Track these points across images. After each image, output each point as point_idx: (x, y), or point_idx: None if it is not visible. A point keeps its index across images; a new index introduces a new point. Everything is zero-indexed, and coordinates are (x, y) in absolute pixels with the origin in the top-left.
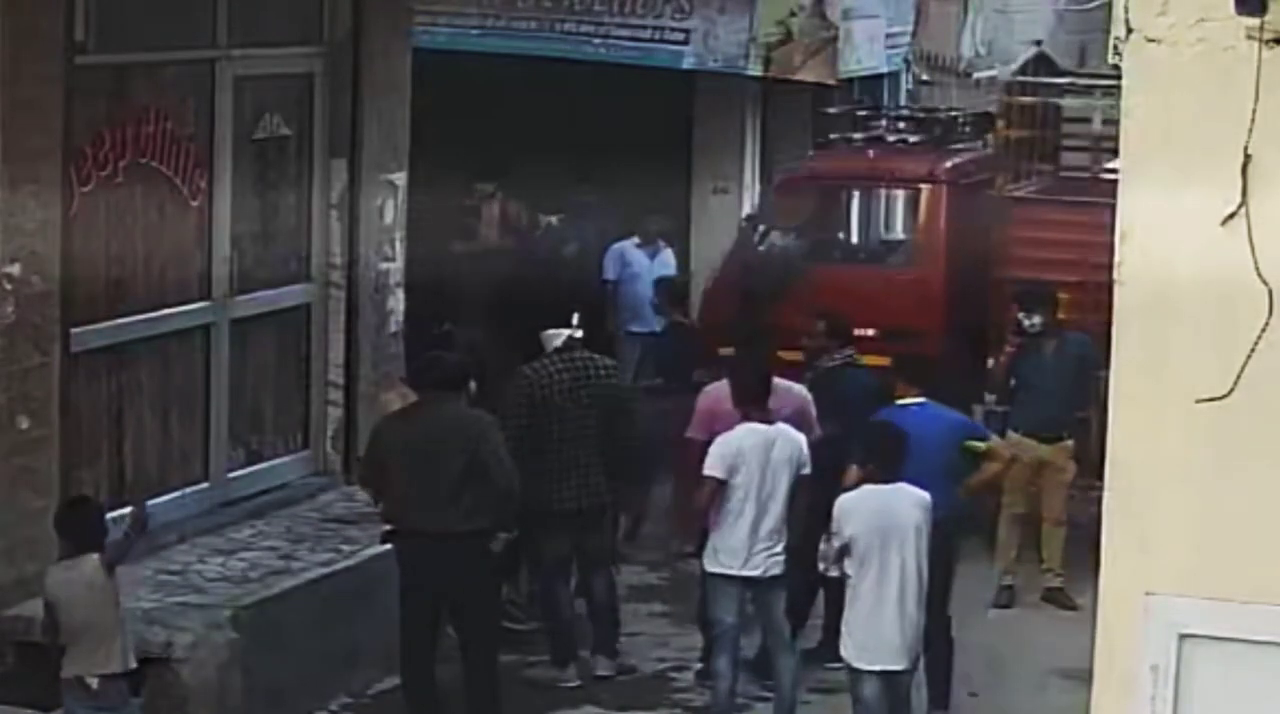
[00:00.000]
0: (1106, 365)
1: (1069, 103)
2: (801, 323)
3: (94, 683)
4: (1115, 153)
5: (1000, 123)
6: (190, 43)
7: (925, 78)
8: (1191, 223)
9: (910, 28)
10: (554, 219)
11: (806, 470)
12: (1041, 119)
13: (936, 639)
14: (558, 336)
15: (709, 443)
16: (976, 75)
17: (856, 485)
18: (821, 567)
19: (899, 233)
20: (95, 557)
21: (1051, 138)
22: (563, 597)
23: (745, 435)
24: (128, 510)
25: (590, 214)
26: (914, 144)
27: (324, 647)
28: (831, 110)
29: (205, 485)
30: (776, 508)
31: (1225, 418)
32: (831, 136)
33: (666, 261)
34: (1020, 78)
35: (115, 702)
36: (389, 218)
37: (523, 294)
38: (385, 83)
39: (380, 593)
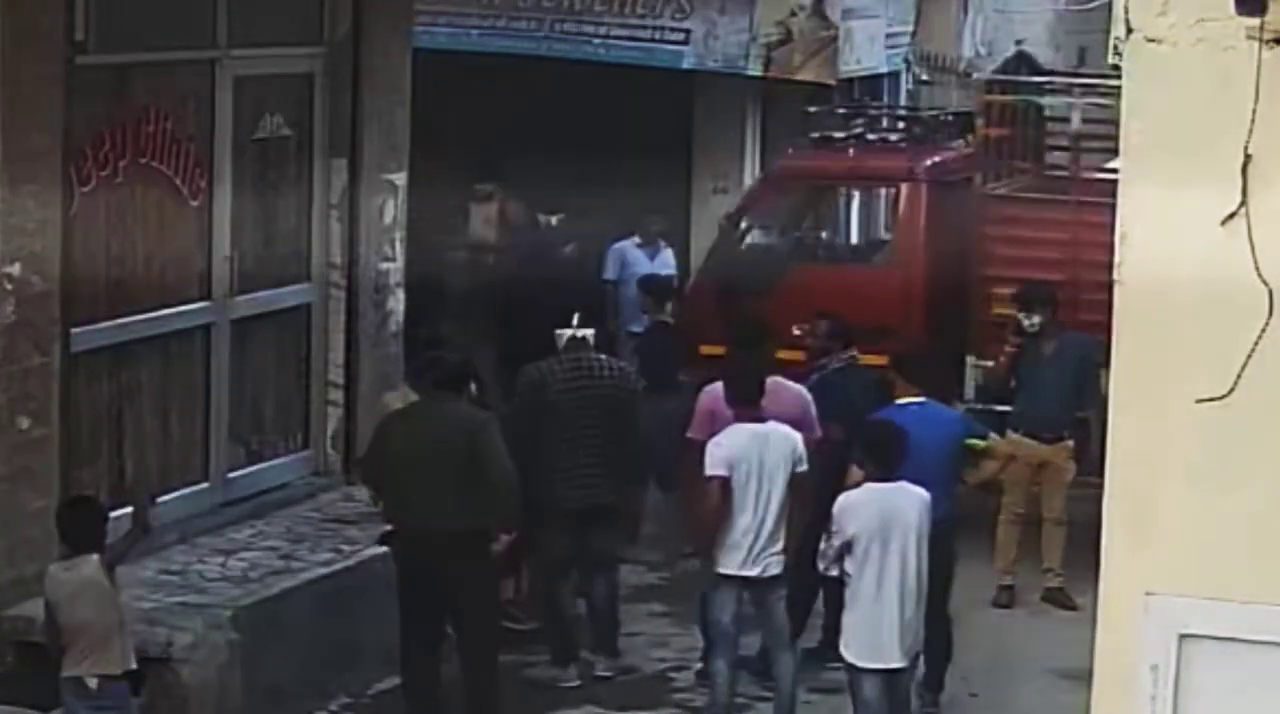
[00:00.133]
0: (1106, 365)
1: (1048, 101)
2: (782, 321)
3: (93, 683)
4: (1095, 152)
5: (980, 121)
6: (190, 43)
7: (925, 78)
8: (1191, 223)
9: (910, 28)
10: (554, 219)
11: (803, 468)
12: (1023, 118)
13: (935, 637)
14: (566, 337)
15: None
16: (976, 75)
17: (859, 485)
18: (822, 566)
19: (879, 231)
20: (95, 557)
21: (1033, 136)
22: (564, 597)
23: (739, 435)
24: (131, 509)
25: (590, 214)
26: (894, 142)
27: (324, 647)
28: (813, 109)
29: (205, 485)
30: (774, 507)
31: (1225, 418)
32: (812, 135)
33: (667, 261)
34: (999, 77)
35: (115, 702)
36: (389, 218)
37: (522, 294)
38: (385, 83)
39: (380, 593)
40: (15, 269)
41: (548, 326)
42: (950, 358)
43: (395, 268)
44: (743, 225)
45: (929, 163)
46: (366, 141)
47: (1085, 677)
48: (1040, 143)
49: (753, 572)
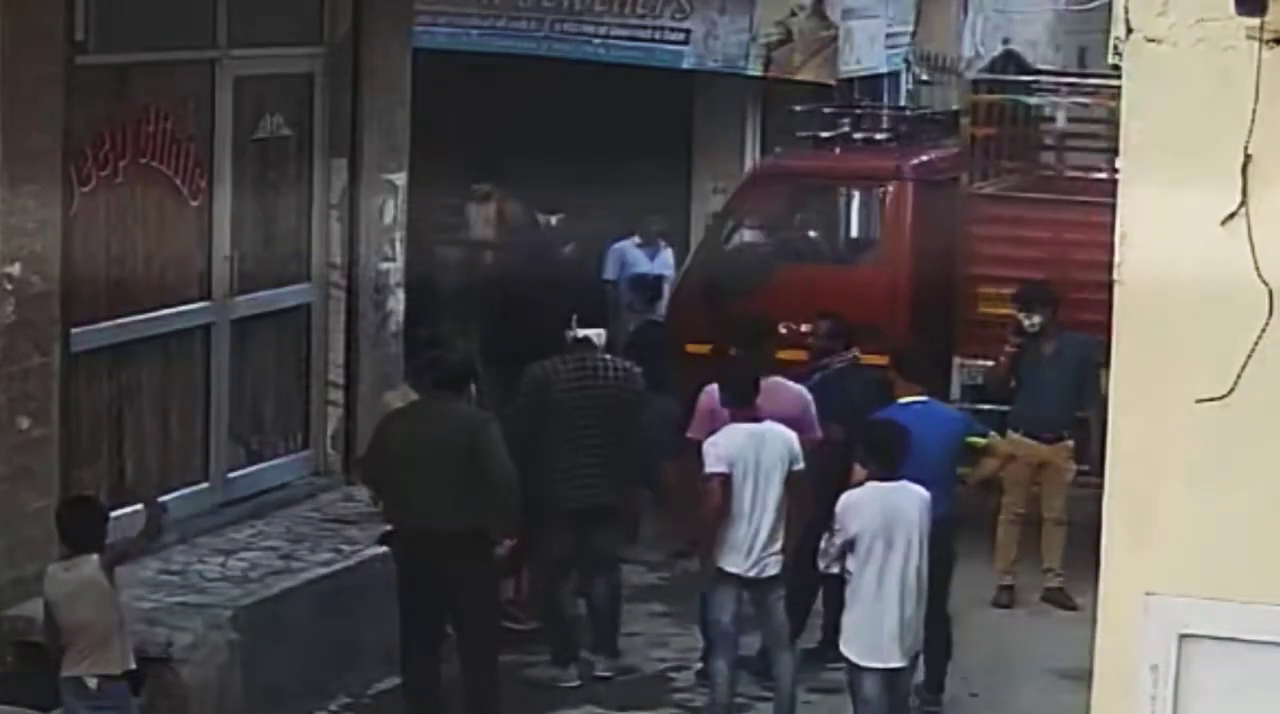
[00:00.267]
0: (1106, 365)
1: (1035, 101)
2: (768, 320)
3: (93, 683)
4: (1080, 150)
5: (965, 120)
6: (190, 43)
7: (925, 78)
8: (1191, 223)
9: (910, 28)
10: (553, 219)
11: (799, 467)
12: (1010, 117)
13: (935, 635)
14: (580, 336)
15: None
16: (964, 75)
17: (862, 485)
18: (823, 564)
19: (865, 230)
20: (95, 558)
21: (1022, 136)
22: (564, 597)
23: (736, 435)
24: (137, 509)
25: (590, 214)
26: (881, 142)
27: (324, 647)
28: (799, 108)
29: (205, 485)
30: (771, 506)
31: (1225, 418)
32: (799, 134)
33: (667, 261)
34: (986, 75)
35: (115, 702)
36: (389, 218)
37: (520, 293)
38: (385, 83)
39: (380, 593)
40: (15, 269)
41: (546, 326)
42: (937, 357)
43: (395, 268)
44: (729, 225)
45: (915, 162)
46: (366, 141)
47: (1085, 677)
48: (1027, 142)
49: (751, 571)
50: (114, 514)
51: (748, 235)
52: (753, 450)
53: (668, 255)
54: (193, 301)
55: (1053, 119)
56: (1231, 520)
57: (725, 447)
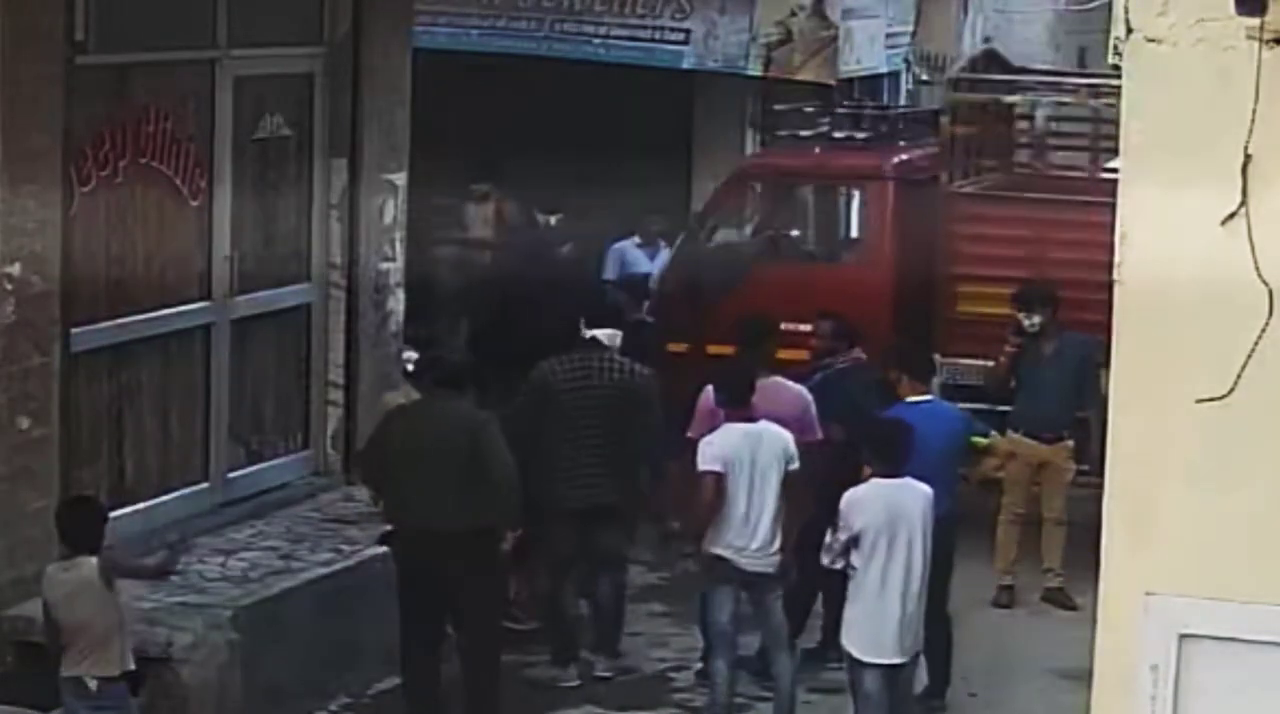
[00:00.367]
0: (1106, 365)
1: (1014, 99)
2: (768, 320)
3: (93, 684)
4: (1061, 149)
5: (946, 119)
6: (190, 43)
7: (925, 78)
8: (1191, 223)
9: (910, 28)
10: (553, 219)
11: (795, 467)
12: (991, 116)
13: (936, 634)
14: (589, 337)
15: None
16: (945, 74)
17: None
18: (827, 560)
19: (846, 229)
20: (94, 560)
21: (1002, 134)
22: (567, 596)
23: (731, 434)
24: (137, 508)
25: (590, 214)
26: (861, 140)
27: (324, 647)
28: (780, 107)
29: (205, 485)
30: (767, 506)
31: (1225, 418)
32: (779, 133)
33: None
34: (967, 74)
35: (114, 702)
36: (389, 218)
37: (518, 293)
38: (385, 83)
39: (380, 593)
40: (15, 269)
41: (545, 326)
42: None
43: (395, 268)
44: (710, 224)
45: (896, 161)
46: (366, 141)
47: (1085, 677)
48: (1008, 141)
49: (748, 570)
50: (114, 514)
51: (729, 234)
52: (748, 450)
53: (667, 255)
54: (193, 301)
55: (1032, 118)
56: (1231, 520)
57: (720, 446)
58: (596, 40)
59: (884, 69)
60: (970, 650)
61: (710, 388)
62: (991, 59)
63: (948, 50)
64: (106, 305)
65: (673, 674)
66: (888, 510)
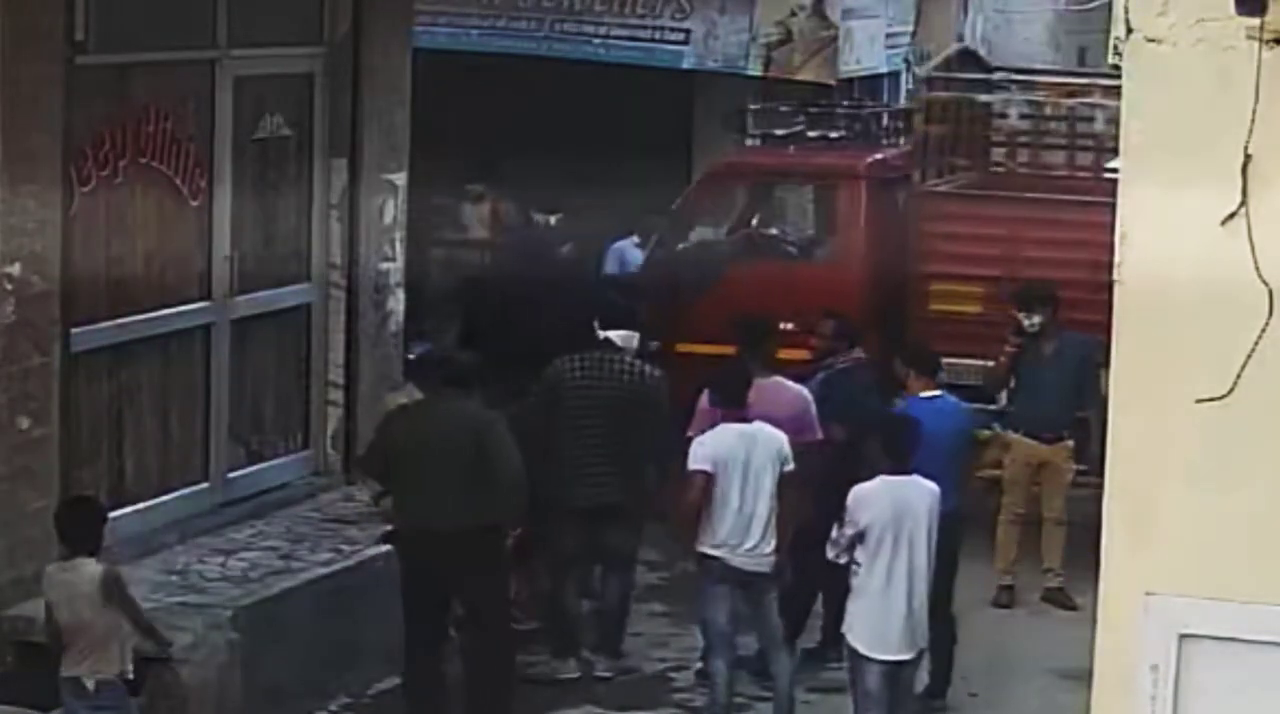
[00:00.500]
0: (1106, 365)
1: (987, 98)
2: (723, 317)
3: (91, 684)
4: (1034, 148)
5: (918, 118)
6: (190, 43)
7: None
8: (1191, 223)
9: (910, 28)
10: (553, 218)
11: (790, 468)
12: (967, 115)
13: (940, 633)
14: (603, 337)
15: None
16: (919, 72)
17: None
18: (832, 554)
19: (820, 228)
20: (93, 562)
21: (978, 133)
22: (569, 595)
23: (726, 435)
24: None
25: (590, 214)
26: (836, 139)
27: (324, 647)
28: (755, 106)
29: (205, 485)
30: (762, 506)
31: (1225, 418)
32: (755, 132)
33: None
34: (940, 73)
35: (113, 702)
36: (389, 218)
37: (514, 293)
38: (385, 83)
39: (380, 593)
40: (15, 269)
41: (544, 325)
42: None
43: (395, 268)
44: (685, 223)
45: (869, 160)
46: (366, 141)
47: (1085, 677)
48: (983, 140)
49: (743, 570)
50: (114, 514)
51: (703, 233)
52: (743, 450)
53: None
54: (193, 301)
55: (1005, 116)
56: (1231, 520)
57: (712, 446)
58: (596, 40)
59: (884, 69)
60: (970, 650)
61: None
62: (967, 57)
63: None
64: (106, 305)
65: (673, 674)
66: (894, 507)
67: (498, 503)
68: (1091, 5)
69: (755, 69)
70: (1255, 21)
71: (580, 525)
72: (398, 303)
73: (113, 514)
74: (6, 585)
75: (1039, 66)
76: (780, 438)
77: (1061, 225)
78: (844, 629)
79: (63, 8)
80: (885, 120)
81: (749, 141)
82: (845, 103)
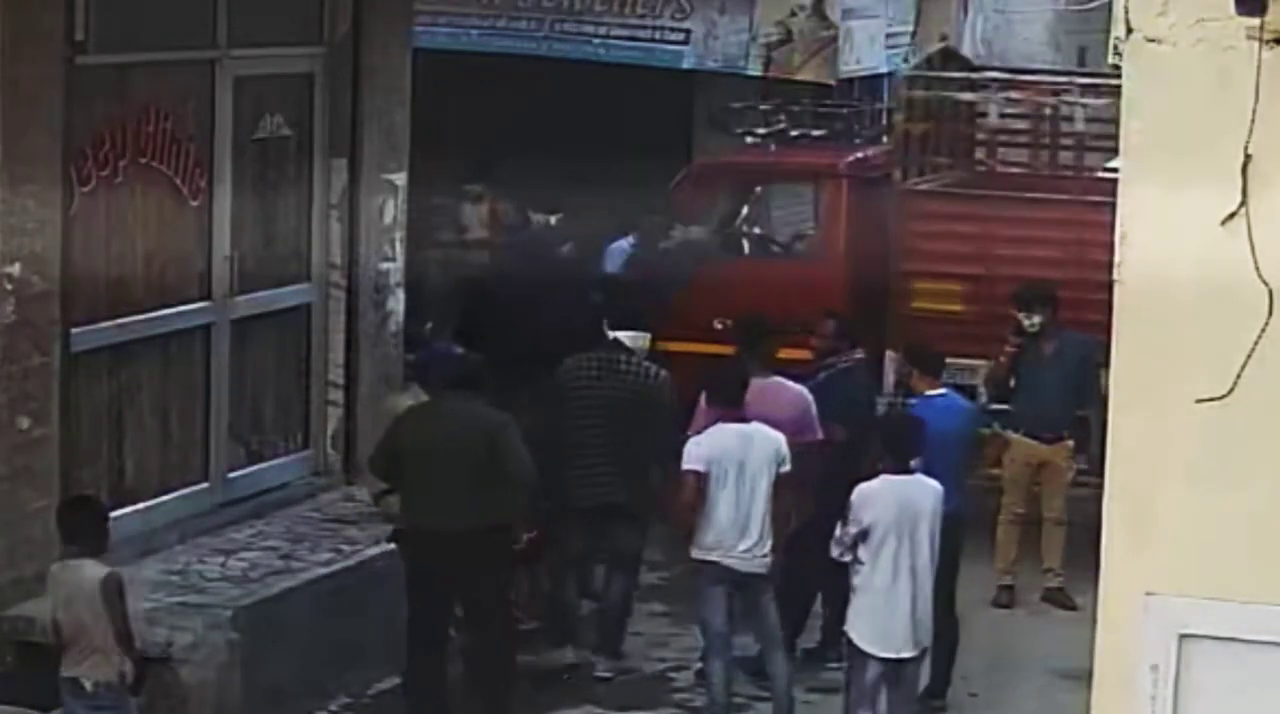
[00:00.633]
0: (1106, 365)
1: (968, 97)
2: (705, 316)
3: (89, 685)
4: (1015, 147)
5: (899, 117)
6: (190, 43)
7: None
8: (1191, 223)
9: (910, 28)
10: (552, 218)
11: (786, 469)
12: (949, 114)
13: (942, 633)
14: (613, 337)
15: None
16: (899, 72)
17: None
18: (836, 553)
19: (801, 227)
20: (96, 564)
21: (960, 132)
22: (569, 594)
23: (723, 435)
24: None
25: (590, 213)
26: (817, 138)
27: (324, 647)
28: (736, 105)
29: (205, 485)
30: (758, 507)
31: (1225, 418)
32: (735, 131)
33: None
34: (921, 72)
35: (113, 702)
36: (389, 218)
37: (513, 292)
38: (385, 83)
39: (380, 592)
40: (15, 269)
41: (540, 325)
42: (872, 352)
43: (395, 268)
44: (667, 221)
45: (850, 159)
46: (366, 141)
47: (1085, 677)
48: (965, 138)
49: (739, 570)
50: (114, 514)
51: (685, 232)
52: (739, 451)
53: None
54: (193, 301)
55: (986, 115)
56: (1231, 520)
57: (707, 446)
58: (596, 40)
59: (884, 69)
60: (970, 650)
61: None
62: (949, 57)
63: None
64: (106, 305)
65: (673, 674)
66: (897, 506)
67: (508, 504)
68: (1091, 5)
69: (755, 69)
70: (1255, 21)
71: (585, 525)
72: (398, 303)
73: (113, 514)
74: (6, 585)
75: (1025, 66)
76: (777, 439)
77: (1043, 224)
78: (845, 626)
79: (63, 8)
80: (869, 119)
81: (731, 140)
82: (828, 102)
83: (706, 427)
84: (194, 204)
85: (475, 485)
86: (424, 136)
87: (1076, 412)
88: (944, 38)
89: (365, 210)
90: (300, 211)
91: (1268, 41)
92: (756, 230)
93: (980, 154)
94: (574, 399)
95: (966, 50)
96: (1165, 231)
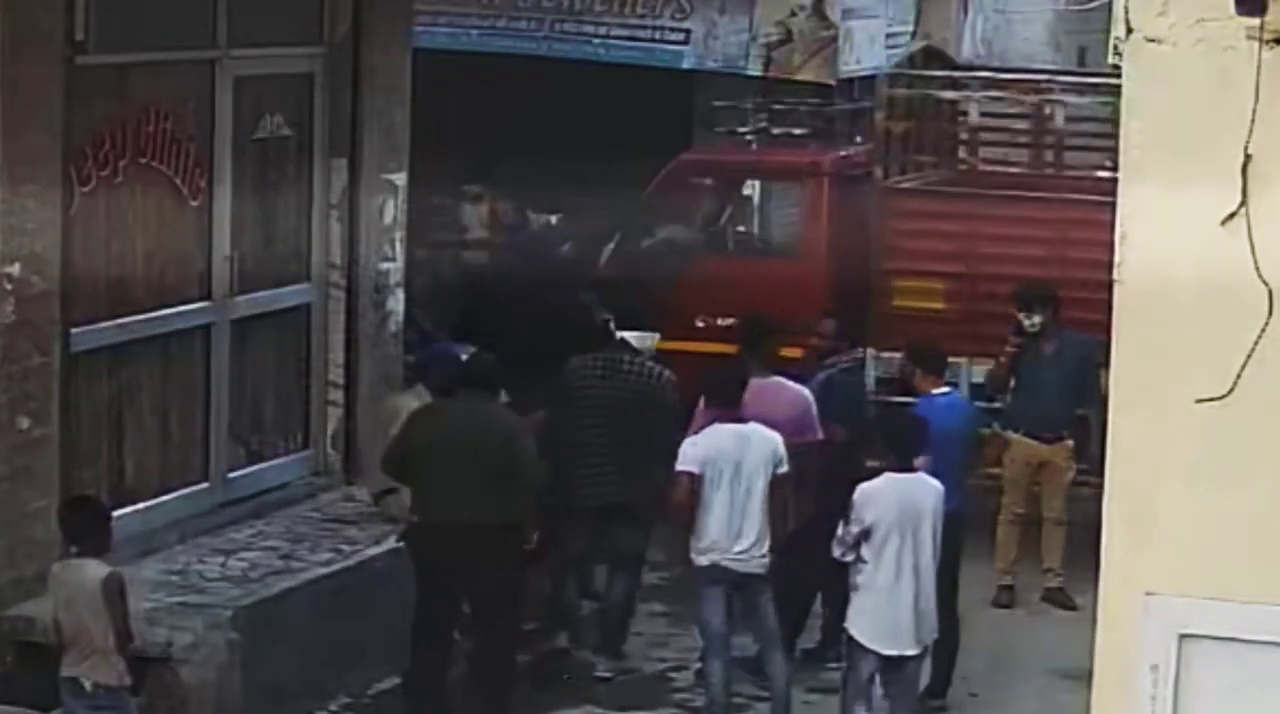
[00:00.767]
0: (1106, 365)
1: (949, 95)
2: (686, 314)
3: (89, 685)
4: (996, 145)
5: (880, 115)
6: (190, 43)
7: None
8: (1191, 223)
9: (910, 28)
10: (552, 218)
11: (783, 470)
12: (931, 113)
13: (943, 631)
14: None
15: None
16: (880, 70)
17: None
18: (838, 552)
19: (783, 225)
20: (98, 564)
21: (942, 131)
22: (569, 594)
23: (719, 435)
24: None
25: (590, 213)
26: (799, 137)
27: (324, 647)
28: (719, 104)
29: (205, 485)
30: (754, 508)
31: (1225, 418)
32: (717, 129)
33: None
34: (902, 71)
35: (112, 702)
36: (389, 218)
37: (511, 292)
38: (385, 83)
39: (380, 592)
40: (15, 269)
41: (540, 324)
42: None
43: (395, 268)
44: (648, 219)
45: (832, 157)
46: (366, 141)
47: (1085, 677)
48: (948, 137)
49: (736, 570)
50: (114, 514)
51: (667, 230)
52: (736, 451)
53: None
54: (193, 301)
55: (967, 113)
56: (1231, 520)
57: (703, 447)
58: (596, 40)
59: (884, 69)
60: (970, 650)
61: None
62: (931, 56)
63: (948, 50)
64: (106, 305)
65: (673, 674)
66: (899, 505)
67: (522, 504)
68: (1091, 5)
69: (755, 69)
70: (1255, 21)
71: (588, 524)
72: (398, 303)
73: (113, 514)
74: (6, 585)
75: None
76: (775, 439)
77: (1025, 222)
78: (846, 623)
79: (63, 8)
80: (853, 118)
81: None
82: (811, 100)
83: (705, 427)
84: (194, 204)
85: (492, 485)
86: (424, 136)
87: (1076, 411)
88: (927, 36)
89: (365, 210)
90: (300, 211)
91: (1268, 41)
92: (738, 228)
93: (962, 153)
94: (578, 399)
95: (966, 50)
96: (1165, 231)
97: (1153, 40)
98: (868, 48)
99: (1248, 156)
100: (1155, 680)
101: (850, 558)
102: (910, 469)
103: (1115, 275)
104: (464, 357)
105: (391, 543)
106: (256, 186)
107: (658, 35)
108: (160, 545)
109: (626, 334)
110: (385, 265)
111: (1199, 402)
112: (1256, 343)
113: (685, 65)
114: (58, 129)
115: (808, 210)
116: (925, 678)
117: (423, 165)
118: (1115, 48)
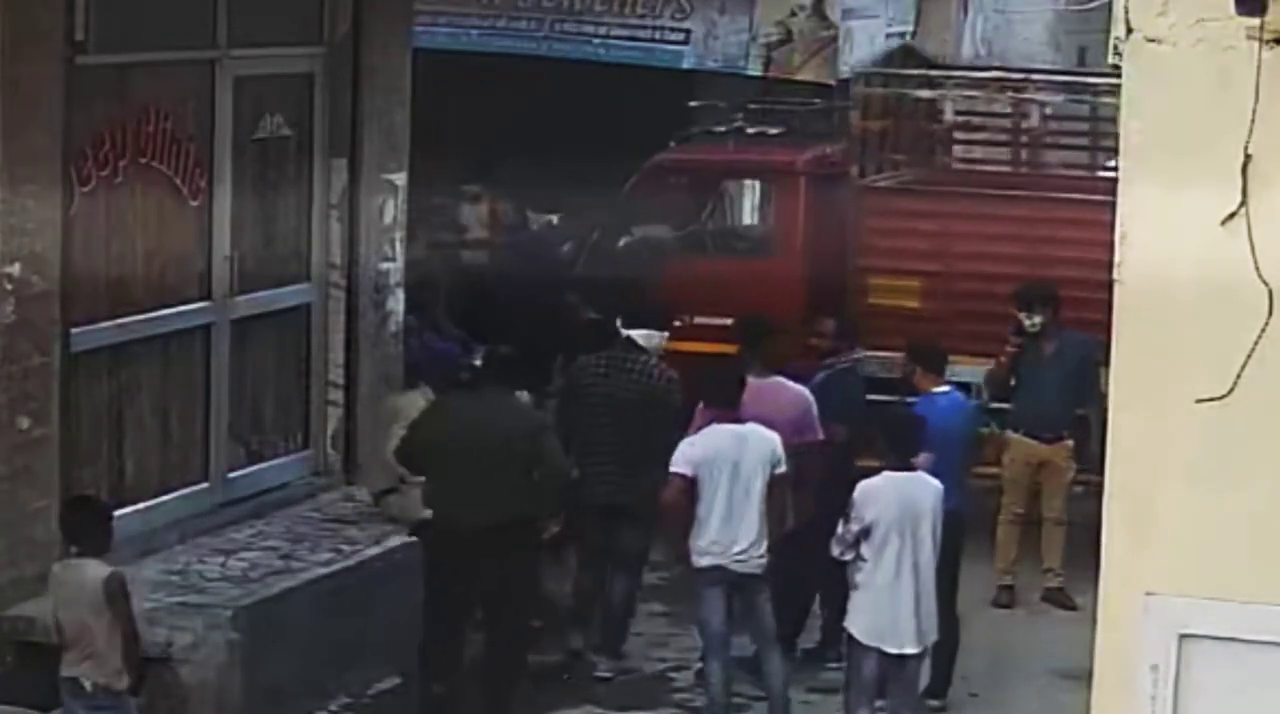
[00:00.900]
0: (1106, 365)
1: (925, 94)
2: (664, 313)
3: (89, 685)
4: (972, 144)
5: (855, 114)
6: (190, 43)
7: None
8: (1191, 223)
9: (910, 28)
10: (552, 218)
11: (781, 470)
12: (907, 111)
13: (943, 631)
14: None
15: None
16: (855, 69)
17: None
18: (837, 551)
19: (758, 223)
20: (98, 564)
21: (919, 129)
22: (587, 582)
23: (717, 436)
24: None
25: (590, 213)
26: (774, 135)
27: (324, 647)
28: (695, 103)
29: (205, 485)
30: (752, 508)
31: (1225, 418)
32: (693, 128)
33: None
34: (877, 69)
35: (112, 702)
36: (389, 218)
37: (509, 292)
38: (385, 83)
39: (380, 592)
40: (15, 269)
41: (543, 323)
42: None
43: (395, 268)
44: (624, 218)
45: (808, 156)
46: (366, 141)
47: (1085, 677)
48: (925, 136)
49: (735, 572)
50: (115, 514)
51: (643, 229)
52: (734, 452)
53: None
54: (193, 301)
55: (943, 112)
56: (1231, 520)
57: (700, 447)
58: (596, 40)
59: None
60: (970, 650)
61: None
62: (909, 54)
63: (947, 50)
64: (106, 305)
65: (673, 674)
66: (899, 503)
67: (547, 498)
68: (1091, 5)
69: (755, 69)
70: (1255, 21)
71: (590, 524)
72: (398, 303)
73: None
74: (6, 585)
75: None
76: (773, 440)
77: (1001, 221)
78: (846, 622)
79: (63, 8)
80: (832, 117)
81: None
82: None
83: (704, 427)
84: (194, 204)
85: (515, 479)
86: (424, 136)
87: (1076, 411)
88: (904, 35)
89: (365, 210)
90: (300, 211)
91: (1268, 41)
92: (714, 228)
93: (938, 151)
94: (582, 398)
95: (966, 50)
96: (1165, 231)
97: (1153, 40)
98: (868, 48)
99: (1248, 156)
100: (1155, 680)
101: (849, 556)
102: (910, 468)
103: (1115, 275)
104: (463, 357)
105: (391, 543)
106: (256, 186)
107: (658, 35)
108: (160, 545)
109: (634, 333)
110: (385, 265)
111: (1199, 402)
112: (1256, 343)
113: (685, 65)
114: (58, 129)
115: (784, 209)
116: (925, 678)
117: (423, 165)
118: (1115, 48)
